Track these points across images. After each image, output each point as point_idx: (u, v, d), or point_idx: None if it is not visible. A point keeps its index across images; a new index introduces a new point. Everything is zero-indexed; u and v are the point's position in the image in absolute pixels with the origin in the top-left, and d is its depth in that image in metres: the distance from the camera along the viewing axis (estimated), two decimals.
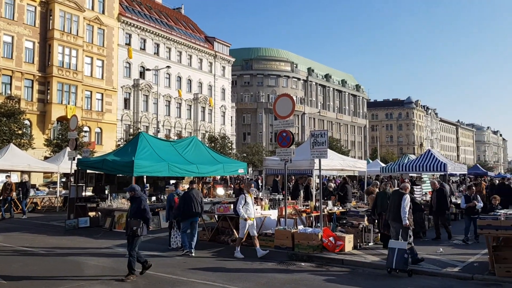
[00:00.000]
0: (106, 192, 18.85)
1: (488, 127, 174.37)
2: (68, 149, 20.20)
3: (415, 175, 25.70)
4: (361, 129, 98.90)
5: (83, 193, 18.12)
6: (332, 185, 19.62)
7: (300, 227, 12.45)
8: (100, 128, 43.44)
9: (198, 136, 48.04)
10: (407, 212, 10.11)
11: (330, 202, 14.71)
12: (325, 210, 13.60)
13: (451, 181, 26.02)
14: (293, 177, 22.50)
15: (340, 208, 14.89)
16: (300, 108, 78.09)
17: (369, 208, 13.54)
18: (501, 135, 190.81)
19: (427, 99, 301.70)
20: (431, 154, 21.80)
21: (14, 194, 19.50)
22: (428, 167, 20.73)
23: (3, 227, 16.12)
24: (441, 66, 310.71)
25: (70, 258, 10.90)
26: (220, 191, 20.87)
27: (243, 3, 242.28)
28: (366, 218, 12.81)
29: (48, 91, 38.09)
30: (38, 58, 37.87)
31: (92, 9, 43.16)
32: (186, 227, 11.62)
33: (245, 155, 53.23)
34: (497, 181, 27.16)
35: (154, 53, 50.49)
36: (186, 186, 13.74)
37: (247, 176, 28.51)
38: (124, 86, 46.23)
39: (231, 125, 64.12)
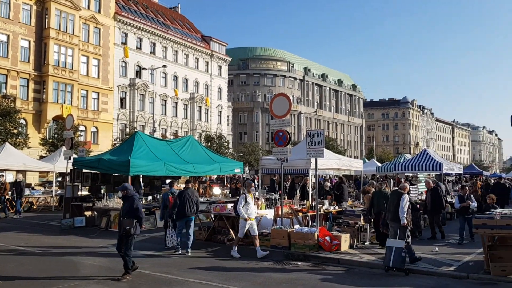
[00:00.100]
0: (102, 191, 18.81)
1: (483, 127, 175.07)
2: (64, 148, 20.17)
3: (411, 174, 25.80)
4: (357, 128, 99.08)
5: (79, 193, 18.06)
6: (328, 184, 19.65)
7: (297, 226, 12.46)
8: (96, 128, 43.33)
9: (195, 136, 48.01)
10: (406, 212, 10.17)
11: (326, 202, 14.72)
12: (321, 210, 13.61)
13: (446, 180, 26.11)
14: (289, 177, 22.52)
15: (336, 207, 14.90)
16: (296, 107, 78.16)
17: (365, 208, 13.57)
18: (496, 134, 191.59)
19: (423, 99, 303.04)
20: (427, 153, 21.89)
21: (8, 193, 19.41)
22: (424, 167, 20.82)
23: None
24: (437, 66, 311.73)
25: (66, 257, 10.86)
26: (216, 190, 20.89)
27: (239, 2, 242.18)
28: (362, 218, 12.83)
29: (44, 90, 37.95)
30: (33, 57, 37.73)
31: (88, 8, 43.04)
32: (181, 227, 11.61)
33: (241, 154, 53.23)
34: (492, 181, 27.31)
35: (151, 52, 50.40)
36: (183, 186, 13.73)
37: (244, 176, 28.47)
38: (120, 85, 46.12)
39: (228, 125, 64.09)
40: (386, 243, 9.95)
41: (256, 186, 22.86)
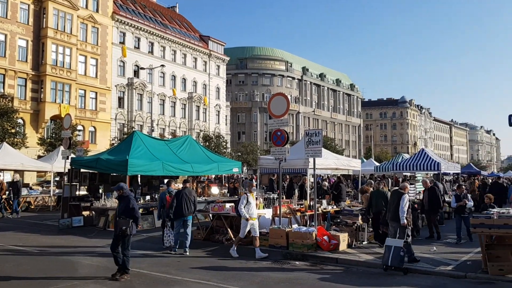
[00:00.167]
0: (100, 191, 18.78)
1: (481, 127, 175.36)
2: (61, 148, 20.12)
3: (409, 174, 25.82)
4: (355, 128, 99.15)
5: (77, 192, 18.03)
6: (326, 184, 19.67)
7: (295, 226, 12.46)
8: (94, 127, 43.26)
9: (193, 135, 48.00)
10: (406, 212, 10.20)
11: (324, 201, 14.74)
12: (320, 209, 13.62)
13: (444, 180, 26.15)
14: (287, 176, 22.54)
15: (335, 207, 14.92)
16: (294, 107, 78.14)
17: (363, 207, 13.58)
18: (494, 134, 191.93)
19: (421, 98, 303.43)
20: (425, 153, 21.91)
21: (6, 193, 19.36)
22: (421, 166, 20.83)
23: None
24: (435, 66, 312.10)
25: (64, 257, 10.85)
26: (214, 190, 20.85)
27: (237, 2, 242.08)
28: (360, 217, 12.85)
29: (42, 89, 37.88)
30: (31, 56, 37.63)
31: (86, 7, 42.95)
32: (179, 226, 11.60)
33: (239, 154, 53.19)
34: (490, 180, 27.38)
35: (149, 52, 50.33)
36: (181, 185, 13.71)
37: (242, 175, 28.48)
38: (118, 84, 46.05)
39: (226, 124, 64.05)
40: (385, 242, 9.98)
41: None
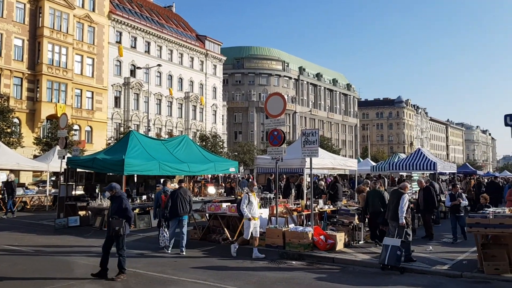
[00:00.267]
0: (97, 191, 18.74)
1: (477, 127, 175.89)
2: (58, 147, 20.07)
3: (405, 174, 25.88)
4: (352, 128, 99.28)
5: (74, 192, 17.98)
6: (323, 183, 19.68)
7: (291, 225, 12.47)
8: (90, 127, 43.14)
9: (189, 135, 47.94)
10: (405, 212, 10.23)
11: (321, 201, 14.75)
12: (316, 209, 13.63)
13: (440, 179, 26.24)
14: (284, 176, 22.53)
15: (331, 206, 14.94)
16: (291, 107, 78.20)
17: (359, 207, 13.61)
18: (490, 134, 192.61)
19: (417, 98, 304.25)
20: (421, 153, 21.97)
21: (0, 193, 19.27)
22: (418, 166, 20.89)
23: None
24: (432, 65, 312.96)
25: (60, 257, 10.81)
26: (211, 189, 20.84)
27: (234, 1, 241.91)
28: (356, 217, 12.87)
29: (38, 89, 37.72)
30: (27, 55, 37.49)
31: (82, 6, 42.82)
32: (174, 226, 11.58)
33: (236, 154, 53.19)
34: (486, 180, 27.47)
35: (145, 51, 50.24)
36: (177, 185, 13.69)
37: (239, 175, 28.47)
38: (114, 84, 45.94)
39: (222, 124, 64.01)
40: (383, 241, 10.02)
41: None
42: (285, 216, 13.01)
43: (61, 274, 8.99)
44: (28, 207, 22.61)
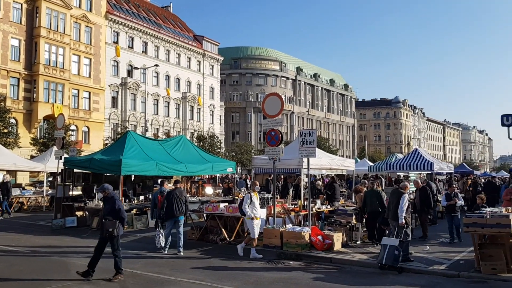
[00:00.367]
0: (94, 191, 18.70)
1: (474, 127, 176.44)
2: (55, 148, 20.00)
3: (402, 174, 25.92)
4: (349, 128, 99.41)
5: (71, 193, 17.94)
6: (320, 183, 19.69)
7: (289, 225, 12.48)
8: (88, 127, 43.06)
9: (187, 135, 47.88)
10: (405, 211, 10.26)
11: (318, 201, 14.76)
12: (314, 209, 13.64)
13: (437, 179, 26.29)
14: (281, 176, 22.54)
15: (329, 206, 14.95)
16: (288, 107, 78.14)
17: (357, 207, 13.63)
18: (486, 134, 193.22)
19: (414, 98, 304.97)
20: (418, 153, 22.02)
21: None
22: (415, 166, 20.93)
23: None
24: (429, 66, 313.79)
25: (57, 258, 10.79)
26: (208, 190, 20.81)
27: (232, 2, 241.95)
28: (354, 217, 12.88)
29: (35, 89, 37.64)
30: (24, 56, 37.38)
31: (80, 6, 42.73)
32: (170, 227, 11.56)
33: (233, 154, 53.16)
34: (483, 180, 27.54)
35: (142, 52, 50.18)
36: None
37: (236, 175, 28.45)
38: (111, 84, 45.87)
39: (220, 124, 64.00)
40: (381, 240, 10.04)
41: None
42: (282, 216, 13.02)
43: (58, 275, 8.97)
44: (25, 207, 22.55)
